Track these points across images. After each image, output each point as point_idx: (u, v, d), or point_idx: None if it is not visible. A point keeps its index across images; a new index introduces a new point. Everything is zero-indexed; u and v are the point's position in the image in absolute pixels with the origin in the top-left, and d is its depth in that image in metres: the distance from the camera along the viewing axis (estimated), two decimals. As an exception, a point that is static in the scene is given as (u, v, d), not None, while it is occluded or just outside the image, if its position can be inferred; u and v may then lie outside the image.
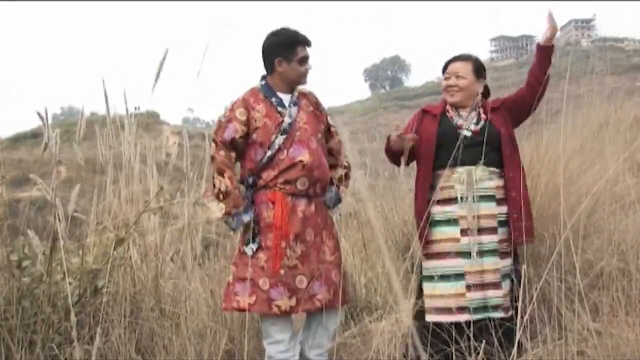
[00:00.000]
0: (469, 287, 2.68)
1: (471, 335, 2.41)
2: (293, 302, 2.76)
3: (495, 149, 2.76)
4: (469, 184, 2.72)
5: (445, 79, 2.93)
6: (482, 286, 2.68)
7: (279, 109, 2.88)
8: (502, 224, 2.75)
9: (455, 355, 2.44)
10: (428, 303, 2.76)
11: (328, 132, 3.08)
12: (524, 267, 2.43)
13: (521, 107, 2.87)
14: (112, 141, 3.38)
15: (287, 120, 2.85)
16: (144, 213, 3.15)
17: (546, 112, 3.44)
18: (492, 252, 2.71)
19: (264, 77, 3.00)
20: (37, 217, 3.34)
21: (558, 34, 2.81)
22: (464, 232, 2.73)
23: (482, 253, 2.70)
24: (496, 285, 2.69)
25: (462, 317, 2.65)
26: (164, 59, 3.07)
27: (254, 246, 2.79)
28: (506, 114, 2.87)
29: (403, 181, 4.76)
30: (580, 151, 3.50)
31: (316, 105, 3.02)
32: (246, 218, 2.79)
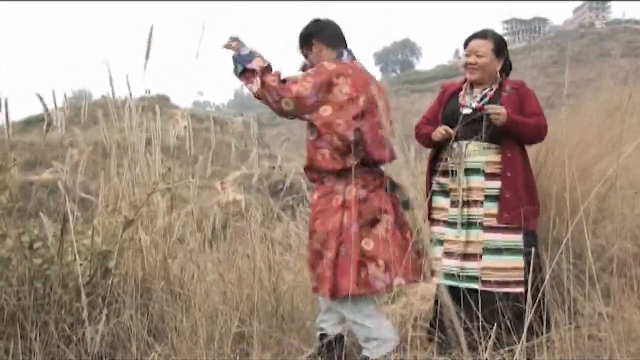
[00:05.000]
0: (447, 254, 2.83)
1: (480, 317, 2.41)
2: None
3: (494, 126, 2.76)
4: (458, 158, 2.82)
5: (466, 56, 2.97)
6: (463, 256, 2.79)
7: None
8: (489, 198, 2.79)
9: (465, 338, 2.44)
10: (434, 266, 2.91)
11: None
12: (533, 249, 2.45)
13: None
14: (116, 124, 3.41)
15: None
16: (152, 195, 3.17)
17: (558, 96, 3.39)
18: (477, 224, 2.79)
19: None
20: (49, 200, 3.37)
21: (571, 17, 2.84)
22: (453, 203, 2.86)
23: (469, 225, 2.81)
24: (475, 257, 2.77)
25: (434, 280, 2.87)
26: (150, 36, 3.11)
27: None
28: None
29: (416, 166, 4.74)
30: (596, 137, 3.47)
31: None
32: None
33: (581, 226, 2.14)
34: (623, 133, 3.12)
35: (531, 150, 3.26)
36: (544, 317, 2.51)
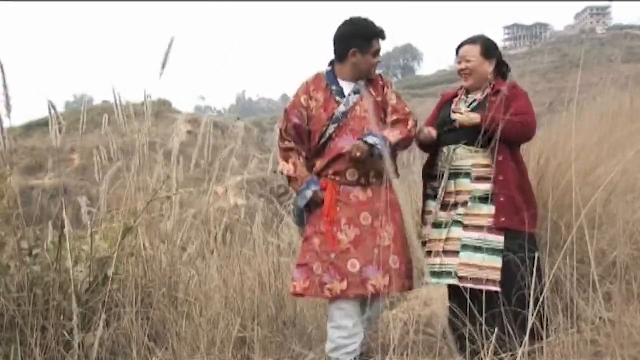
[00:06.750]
0: (429, 253, 2.87)
1: (484, 321, 2.40)
2: (344, 285, 2.72)
3: (480, 130, 2.79)
4: (446, 162, 2.90)
5: (458, 63, 3.04)
6: (443, 253, 2.83)
7: (337, 98, 2.89)
8: (475, 199, 2.82)
9: (469, 340, 2.44)
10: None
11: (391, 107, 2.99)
12: (537, 254, 2.43)
13: None
14: (120, 129, 3.41)
15: (341, 109, 2.86)
16: (152, 201, 3.18)
17: (560, 102, 3.40)
18: (457, 223, 2.83)
19: (331, 63, 2.99)
20: (50, 205, 3.37)
21: (572, 22, 2.85)
22: (442, 206, 2.90)
23: (453, 224, 2.85)
24: (453, 254, 2.81)
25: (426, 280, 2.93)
26: (169, 47, 3.16)
27: (304, 229, 2.90)
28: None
29: (414, 172, 4.73)
30: (598, 142, 3.47)
31: (382, 89, 3.01)
32: (308, 193, 2.83)
33: (582, 231, 2.14)
34: (624, 138, 3.12)
35: (532, 154, 3.25)
36: (545, 322, 2.51)
